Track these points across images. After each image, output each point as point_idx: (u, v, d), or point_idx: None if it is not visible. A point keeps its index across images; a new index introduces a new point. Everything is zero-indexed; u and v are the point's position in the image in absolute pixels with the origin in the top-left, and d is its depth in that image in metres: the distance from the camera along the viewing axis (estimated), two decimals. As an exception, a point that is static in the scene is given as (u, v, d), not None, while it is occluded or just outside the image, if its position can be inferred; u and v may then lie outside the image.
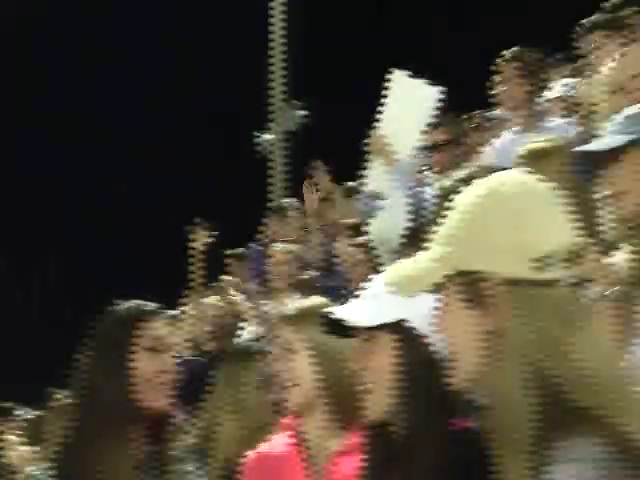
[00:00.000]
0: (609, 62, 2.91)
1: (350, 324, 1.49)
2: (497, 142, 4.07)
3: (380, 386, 1.46)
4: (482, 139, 4.60)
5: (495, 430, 1.14)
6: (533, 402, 1.09)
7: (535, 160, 2.56)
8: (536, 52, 3.88)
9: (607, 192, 2.05)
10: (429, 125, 3.76)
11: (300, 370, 1.92)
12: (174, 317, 6.11)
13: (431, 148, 4.07)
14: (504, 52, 3.85)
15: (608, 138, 2.05)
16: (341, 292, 4.43)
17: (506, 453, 1.10)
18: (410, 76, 3.63)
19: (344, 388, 1.90)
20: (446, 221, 1.20)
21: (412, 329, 1.45)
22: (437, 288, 1.21)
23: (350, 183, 5.82)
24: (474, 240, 1.16)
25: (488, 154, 3.99)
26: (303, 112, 10.79)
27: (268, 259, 5.07)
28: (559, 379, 1.09)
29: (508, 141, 3.95)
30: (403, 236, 3.41)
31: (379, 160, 3.72)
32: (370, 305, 1.49)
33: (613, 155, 2.00)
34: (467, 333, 1.17)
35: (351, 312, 1.50)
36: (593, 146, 2.15)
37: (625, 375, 1.14)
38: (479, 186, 1.19)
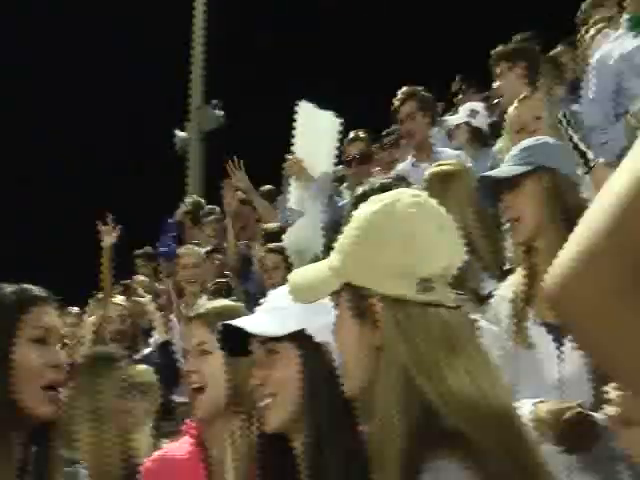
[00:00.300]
0: (515, 102, 3.13)
1: (255, 335, 1.47)
2: (399, 166, 4.28)
3: (283, 397, 1.44)
4: (399, 154, 4.78)
5: (371, 442, 1.16)
6: (405, 420, 1.09)
7: (439, 182, 2.66)
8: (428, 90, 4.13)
9: (505, 217, 2.20)
10: (339, 146, 3.97)
11: (213, 372, 1.86)
12: (78, 315, 5.94)
13: (347, 162, 4.22)
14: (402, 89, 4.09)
15: (507, 167, 2.22)
16: (257, 297, 4.48)
17: (379, 467, 1.12)
18: (314, 106, 3.87)
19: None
20: (345, 232, 1.22)
21: (314, 340, 1.45)
22: (333, 298, 1.22)
23: (268, 186, 5.88)
24: (364, 255, 1.17)
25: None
26: (221, 112, 10.75)
27: (178, 261, 4.99)
28: (434, 400, 1.09)
29: (406, 167, 4.19)
30: (323, 249, 3.52)
31: (297, 180, 3.88)
32: (274, 316, 1.47)
33: (511, 183, 2.15)
34: (354, 346, 1.19)
35: (255, 323, 1.48)
36: (493, 173, 2.30)
37: (499, 404, 1.12)
38: (375, 202, 1.20)
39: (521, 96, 3.23)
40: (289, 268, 3.93)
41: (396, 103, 4.00)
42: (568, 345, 1.96)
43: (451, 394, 1.09)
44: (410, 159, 4.18)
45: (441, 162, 2.89)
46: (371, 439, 1.17)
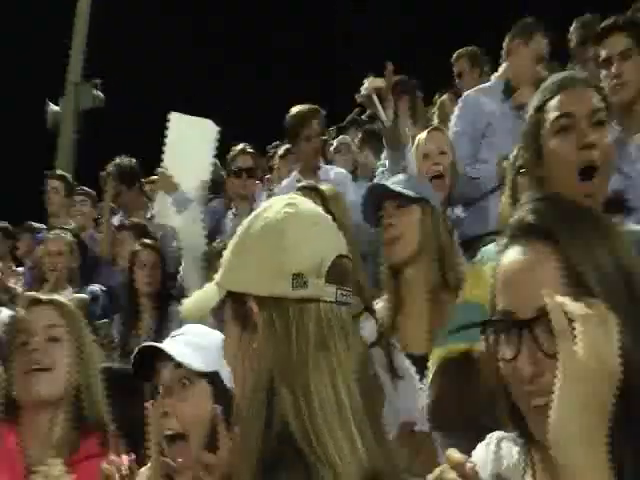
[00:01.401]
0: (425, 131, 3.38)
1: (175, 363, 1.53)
2: (283, 182, 4.34)
3: (194, 437, 1.49)
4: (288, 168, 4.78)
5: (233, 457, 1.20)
6: (263, 438, 1.07)
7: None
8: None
9: (386, 235, 2.25)
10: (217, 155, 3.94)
11: (60, 359, 1.88)
12: None
13: (234, 175, 4.25)
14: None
15: (400, 186, 2.28)
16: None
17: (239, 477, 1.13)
18: (187, 116, 3.81)
19: (92, 391, 1.92)
20: (227, 246, 1.23)
21: (225, 384, 1.52)
22: (219, 313, 1.21)
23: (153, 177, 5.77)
24: (241, 261, 1.16)
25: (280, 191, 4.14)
26: (100, 93, 10.38)
27: (41, 246, 4.68)
28: (290, 420, 1.06)
29: (290, 183, 4.19)
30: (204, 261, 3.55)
31: (165, 193, 3.83)
32: (196, 351, 1.56)
33: (401, 202, 2.24)
34: (238, 354, 1.16)
35: (182, 353, 1.55)
36: (389, 184, 2.32)
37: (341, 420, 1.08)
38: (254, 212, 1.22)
39: (432, 127, 3.45)
40: (164, 268, 3.93)
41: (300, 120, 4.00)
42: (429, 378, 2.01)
43: (310, 415, 1.06)
44: (295, 175, 4.20)
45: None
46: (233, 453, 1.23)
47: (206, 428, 1.50)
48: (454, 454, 0.95)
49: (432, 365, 1.86)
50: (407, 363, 2.12)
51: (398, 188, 2.25)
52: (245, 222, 1.20)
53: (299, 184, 3.12)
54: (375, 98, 2.67)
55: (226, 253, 1.20)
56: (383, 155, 3.06)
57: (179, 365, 1.54)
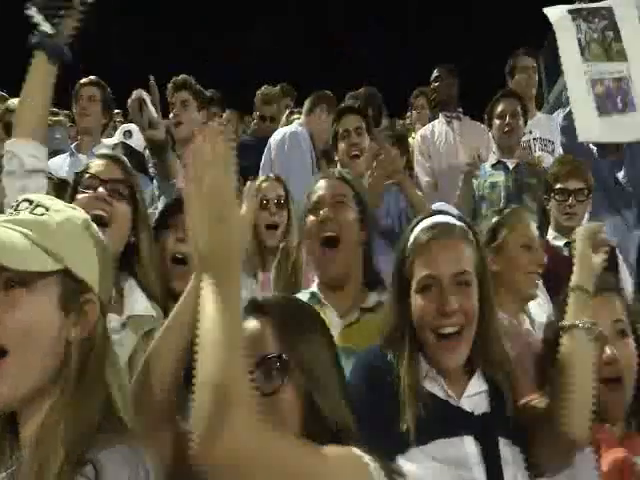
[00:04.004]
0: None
1: None
2: (55, 159, 4.24)
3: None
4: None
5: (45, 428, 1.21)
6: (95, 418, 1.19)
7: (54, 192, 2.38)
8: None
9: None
10: None
11: None
12: None
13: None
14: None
15: None
16: None
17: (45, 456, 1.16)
18: None
19: None
20: (50, 219, 1.23)
21: None
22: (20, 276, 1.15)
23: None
24: (86, 251, 1.24)
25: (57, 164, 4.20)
26: None
27: None
28: (114, 400, 1.22)
29: (62, 161, 4.29)
30: None
31: None
32: None
33: None
34: (51, 336, 1.16)
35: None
36: None
37: None
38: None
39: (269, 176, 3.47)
40: None
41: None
42: None
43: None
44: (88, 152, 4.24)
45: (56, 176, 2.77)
46: (47, 423, 1.15)
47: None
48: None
49: None
50: None
51: None
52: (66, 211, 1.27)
53: None
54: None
55: (53, 223, 1.20)
56: None
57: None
